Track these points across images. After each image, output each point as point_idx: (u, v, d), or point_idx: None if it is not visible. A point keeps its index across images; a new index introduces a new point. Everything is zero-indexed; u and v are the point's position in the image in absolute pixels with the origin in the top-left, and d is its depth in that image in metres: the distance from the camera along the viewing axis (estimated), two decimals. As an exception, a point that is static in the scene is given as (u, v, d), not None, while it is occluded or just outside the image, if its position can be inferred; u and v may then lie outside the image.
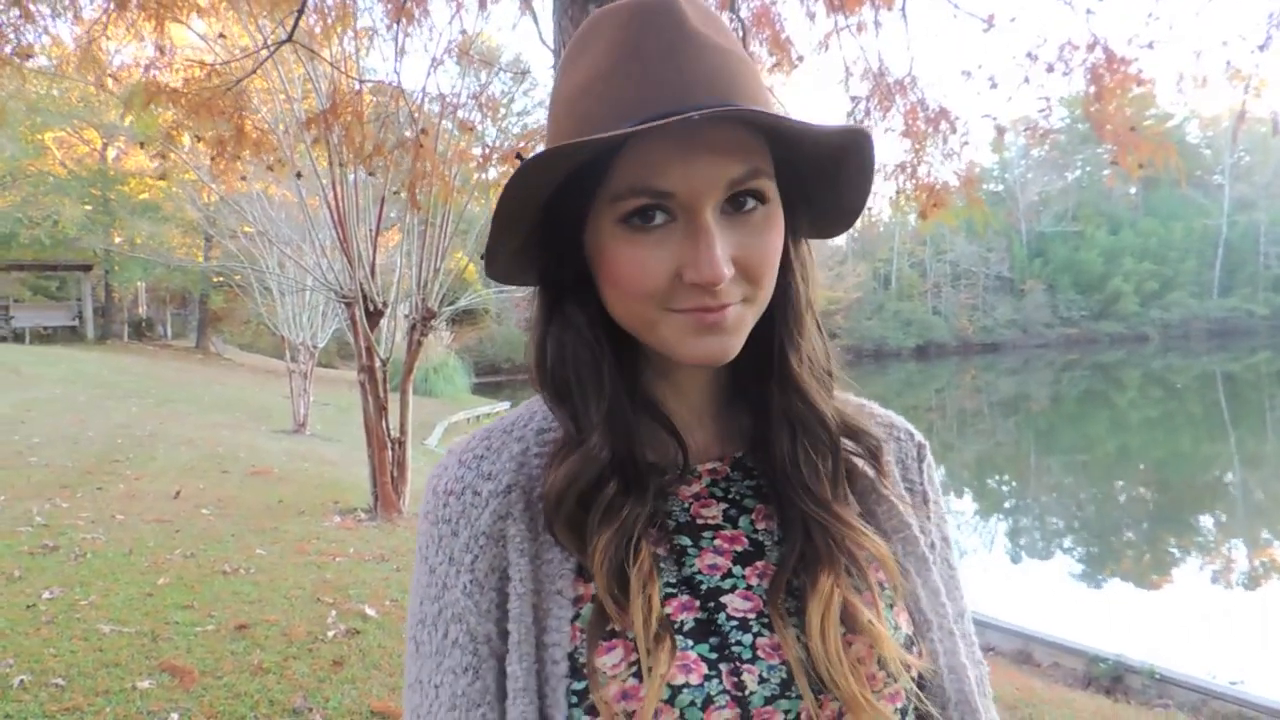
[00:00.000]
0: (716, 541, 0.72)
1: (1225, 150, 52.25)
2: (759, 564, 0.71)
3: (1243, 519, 12.20)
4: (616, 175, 0.66)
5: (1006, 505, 14.81)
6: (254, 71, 4.60)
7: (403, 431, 8.21)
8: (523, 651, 0.67)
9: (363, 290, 7.92)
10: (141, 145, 6.12)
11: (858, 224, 0.78)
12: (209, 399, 17.51)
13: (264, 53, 4.42)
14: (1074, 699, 4.65)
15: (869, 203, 0.74)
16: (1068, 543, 11.68)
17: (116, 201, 25.01)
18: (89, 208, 24.46)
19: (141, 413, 14.01)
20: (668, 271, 0.66)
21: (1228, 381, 31.74)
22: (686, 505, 0.74)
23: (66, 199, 23.38)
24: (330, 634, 4.70)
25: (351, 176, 7.71)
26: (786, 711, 0.65)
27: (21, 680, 3.82)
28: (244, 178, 6.33)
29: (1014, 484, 17.03)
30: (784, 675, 0.65)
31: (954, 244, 52.23)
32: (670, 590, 0.68)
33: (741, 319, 0.68)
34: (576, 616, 0.68)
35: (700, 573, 0.70)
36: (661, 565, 0.69)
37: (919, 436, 0.80)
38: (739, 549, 0.72)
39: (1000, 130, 6.02)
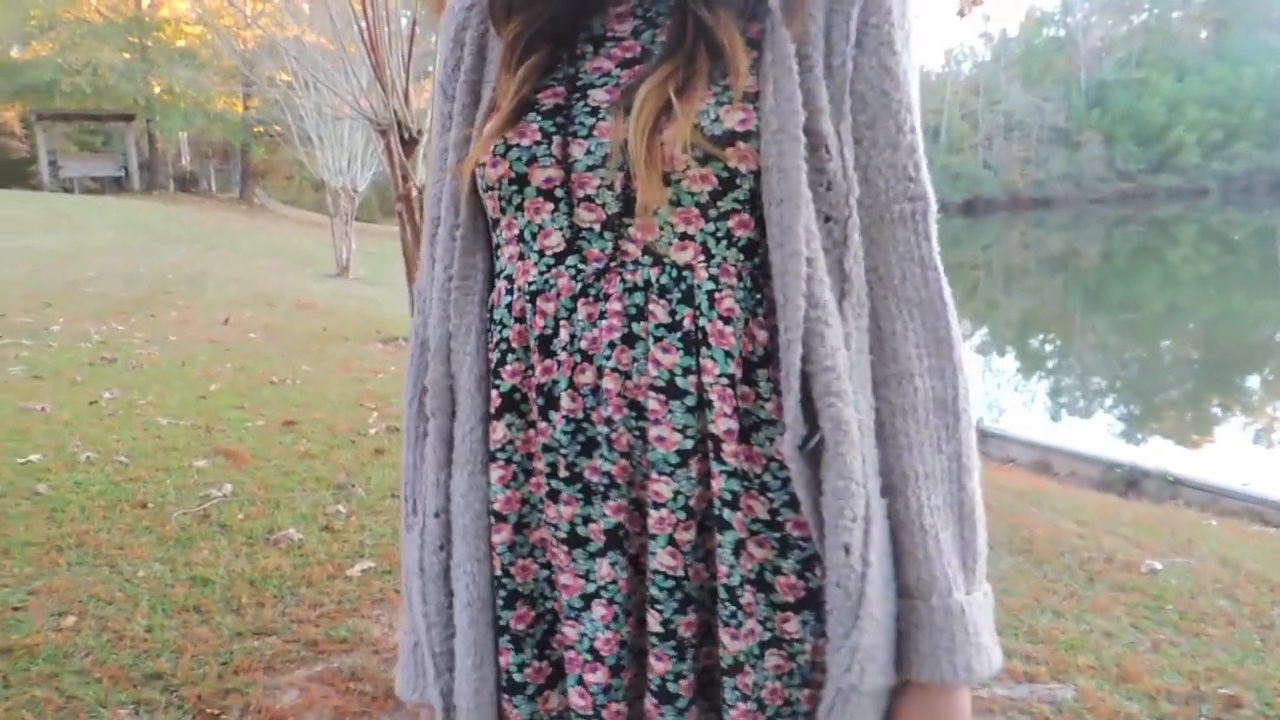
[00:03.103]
0: (614, 51, 0.82)
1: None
2: (638, 68, 0.80)
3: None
4: None
5: (1049, 364, 14.56)
6: None
7: (440, 261, 8.34)
8: (459, 109, 0.87)
9: (397, 118, 7.90)
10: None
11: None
12: (254, 245, 17.81)
13: None
14: (1084, 496, 4.80)
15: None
16: (1109, 401, 11.52)
17: (154, 48, 24.84)
18: (127, 55, 24.33)
19: (190, 255, 14.33)
20: None
21: (1288, 236, 30.74)
22: (605, 20, 0.84)
23: (105, 46, 23.25)
24: (372, 431, 4.96)
25: None
26: (603, 178, 0.77)
27: (88, 456, 4.12)
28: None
29: (1058, 343, 16.69)
30: (608, 152, 0.77)
31: (1008, 93, 50.23)
32: (552, 83, 0.81)
33: None
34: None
35: (585, 73, 0.82)
36: (559, 64, 0.83)
37: None
38: (629, 55, 0.82)
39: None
